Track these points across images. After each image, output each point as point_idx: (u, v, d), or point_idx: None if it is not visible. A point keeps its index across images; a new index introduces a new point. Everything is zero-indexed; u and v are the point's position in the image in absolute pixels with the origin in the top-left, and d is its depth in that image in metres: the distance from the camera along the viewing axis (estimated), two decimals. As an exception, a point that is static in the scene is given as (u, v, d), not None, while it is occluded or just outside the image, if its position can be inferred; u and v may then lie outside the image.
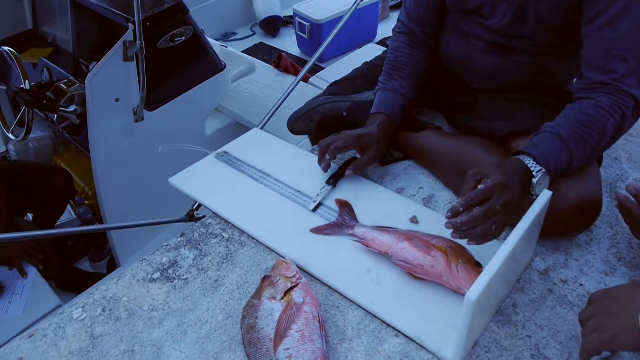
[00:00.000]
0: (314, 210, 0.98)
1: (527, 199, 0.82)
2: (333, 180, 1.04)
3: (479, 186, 0.77)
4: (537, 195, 0.79)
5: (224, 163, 1.12)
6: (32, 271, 1.66)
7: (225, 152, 1.15)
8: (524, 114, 1.03)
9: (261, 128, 1.27)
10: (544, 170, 0.81)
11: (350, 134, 1.03)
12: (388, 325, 0.79)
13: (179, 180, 1.09)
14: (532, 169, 0.81)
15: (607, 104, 0.85)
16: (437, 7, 1.09)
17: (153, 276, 0.90)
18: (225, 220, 1.00)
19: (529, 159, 0.83)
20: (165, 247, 0.95)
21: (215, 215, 1.01)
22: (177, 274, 0.90)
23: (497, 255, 0.68)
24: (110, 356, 0.77)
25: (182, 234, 0.98)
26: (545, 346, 0.76)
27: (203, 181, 1.08)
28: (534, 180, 0.81)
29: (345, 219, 0.95)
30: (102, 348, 0.79)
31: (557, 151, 0.84)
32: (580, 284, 0.85)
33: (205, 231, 0.98)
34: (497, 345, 0.76)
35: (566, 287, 0.85)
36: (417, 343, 0.77)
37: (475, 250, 0.86)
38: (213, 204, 1.02)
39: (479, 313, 0.69)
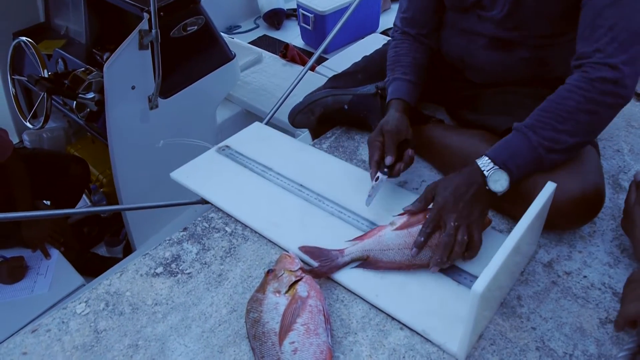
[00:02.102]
0: (368, 204, 0.95)
1: (490, 195, 0.85)
2: (388, 170, 0.96)
3: (427, 215, 0.85)
4: (499, 192, 0.84)
5: (226, 157, 1.12)
6: (55, 253, 1.76)
7: (227, 146, 1.15)
8: (525, 109, 1.02)
9: (266, 123, 1.27)
10: (495, 167, 0.84)
11: (386, 137, 0.96)
12: (393, 318, 0.79)
13: (180, 174, 1.08)
14: (483, 168, 0.85)
15: (573, 82, 0.85)
16: (433, 8, 1.09)
17: (156, 271, 0.89)
18: (228, 215, 0.99)
19: (484, 159, 0.85)
20: (168, 241, 0.95)
21: (218, 209, 1.01)
22: (180, 268, 0.90)
23: (502, 248, 0.68)
24: (114, 351, 0.77)
25: (185, 229, 0.98)
26: (550, 338, 0.76)
27: (205, 175, 1.08)
28: (487, 179, 0.84)
29: (327, 258, 0.87)
30: (107, 343, 0.78)
31: (512, 144, 0.86)
32: (584, 276, 0.86)
33: (207, 225, 0.98)
34: (503, 338, 0.76)
35: (570, 279, 0.85)
36: (422, 336, 0.77)
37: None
38: (215, 198, 1.02)
39: (484, 306, 0.69)
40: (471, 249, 0.83)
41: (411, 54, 1.10)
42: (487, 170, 0.84)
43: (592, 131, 0.86)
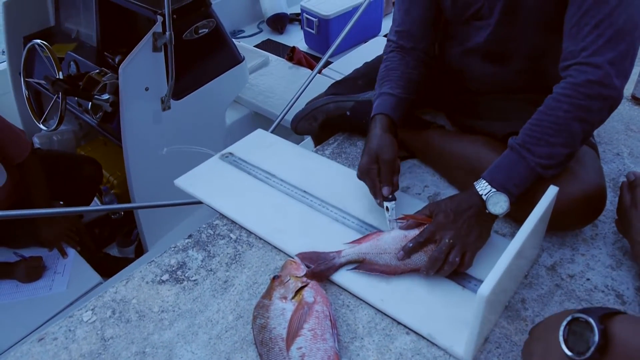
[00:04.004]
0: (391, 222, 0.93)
1: (491, 218, 0.85)
2: (392, 196, 0.93)
3: (425, 226, 0.85)
4: (500, 214, 0.83)
5: (229, 164, 1.13)
6: (72, 252, 1.80)
7: (230, 154, 1.16)
8: (524, 114, 1.03)
9: (275, 127, 1.29)
10: (494, 190, 0.83)
11: (383, 166, 0.93)
12: (399, 323, 0.80)
13: (184, 181, 1.09)
14: (481, 192, 0.84)
15: (560, 91, 0.84)
16: (430, 21, 1.06)
17: (162, 278, 0.90)
18: (233, 222, 1.00)
19: (482, 182, 0.85)
20: (173, 249, 0.95)
21: (222, 216, 1.01)
22: (186, 275, 0.90)
23: (506, 252, 0.69)
24: (121, 358, 0.77)
25: (190, 236, 0.98)
26: (555, 341, 0.77)
27: (208, 183, 1.08)
28: (486, 202, 0.83)
29: (324, 259, 0.88)
30: (114, 350, 0.79)
31: (508, 165, 0.85)
32: (588, 279, 0.86)
33: (212, 232, 0.98)
34: (508, 341, 0.77)
35: (574, 282, 0.86)
36: (428, 340, 0.77)
37: (483, 247, 0.87)
38: (219, 205, 1.03)
39: (490, 309, 0.70)
40: (459, 270, 0.83)
41: (401, 67, 1.06)
42: (486, 194, 0.83)
43: (585, 138, 0.86)
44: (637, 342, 0.53)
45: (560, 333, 0.57)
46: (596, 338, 0.53)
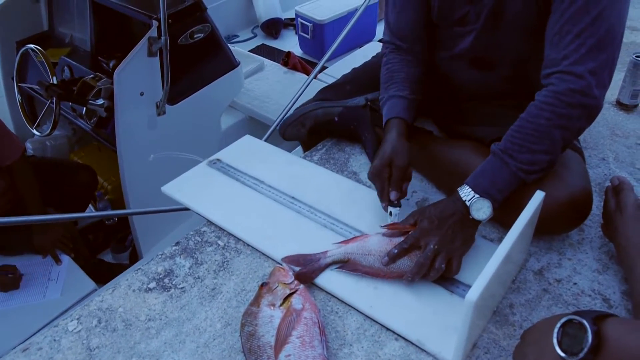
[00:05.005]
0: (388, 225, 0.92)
1: (474, 224, 0.86)
2: (398, 201, 0.93)
3: (410, 232, 0.86)
4: (483, 220, 0.84)
5: (217, 170, 1.12)
6: (66, 259, 1.79)
7: (218, 160, 1.15)
8: (511, 119, 1.04)
9: (270, 133, 1.29)
10: (477, 196, 0.84)
11: (395, 171, 0.93)
12: (387, 329, 0.80)
13: (171, 188, 1.08)
14: (464, 198, 0.84)
15: (541, 99, 0.85)
16: (421, 24, 1.06)
17: (149, 286, 0.89)
18: (220, 228, 0.99)
19: (465, 188, 0.85)
20: (160, 256, 0.95)
21: (210, 223, 1.01)
22: (173, 283, 0.89)
23: (494, 257, 0.69)
24: (108, 368, 0.77)
25: (177, 243, 0.97)
26: (543, 345, 0.77)
27: (196, 189, 1.08)
28: (470, 208, 0.84)
29: (310, 260, 0.89)
30: (100, 360, 0.78)
31: (491, 171, 0.86)
32: (575, 283, 0.87)
33: (200, 239, 0.98)
34: (496, 346, 0.77)
35: (561, 286, 0.86)
36: (417, 346, 0.77)
37: (470, 251, 0.87)
38: (207, 212, 1.02)
39: (478, 315, 0.70)
40: (448, 276, 0.84)
41: (404, 69, 1.06)
42: (469, 200, 0.84)
43: (566, 145, 0.87)
44: (628, 343, 0.54)
45: (554, 335, 0.58)
46: (590, 339, 0.54)
